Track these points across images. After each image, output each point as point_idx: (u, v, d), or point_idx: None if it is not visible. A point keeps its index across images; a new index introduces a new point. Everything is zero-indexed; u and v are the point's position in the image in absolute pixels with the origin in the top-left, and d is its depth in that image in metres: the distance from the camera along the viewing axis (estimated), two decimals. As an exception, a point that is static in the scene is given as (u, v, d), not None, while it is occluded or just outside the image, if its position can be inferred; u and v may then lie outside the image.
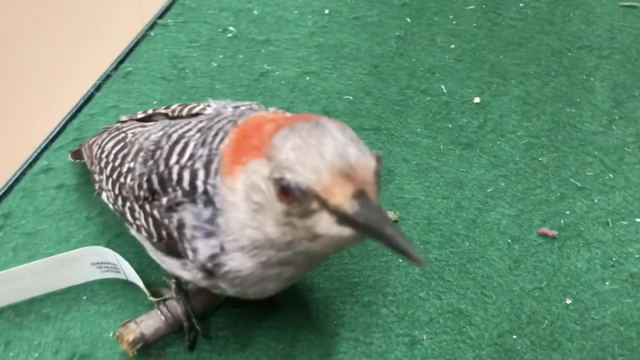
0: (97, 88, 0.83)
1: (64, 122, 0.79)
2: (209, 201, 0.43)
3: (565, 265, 0.65)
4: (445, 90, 0.82)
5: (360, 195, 0.36)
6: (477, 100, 0.81)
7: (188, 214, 0.44)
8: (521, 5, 0.94)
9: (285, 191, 0.37)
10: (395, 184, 0.72)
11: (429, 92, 0.82)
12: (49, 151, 0.76)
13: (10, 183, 0.72)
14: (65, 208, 0.71)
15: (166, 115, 0.56)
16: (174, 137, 0.48)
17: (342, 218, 0.37)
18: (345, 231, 0.37)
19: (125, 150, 0.52)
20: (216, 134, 0.45)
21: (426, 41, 0.89)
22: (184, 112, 0.54)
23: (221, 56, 0.87)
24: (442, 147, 0.76)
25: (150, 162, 0.48)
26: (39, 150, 0.75)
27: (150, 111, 0.59)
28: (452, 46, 0.88)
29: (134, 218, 0.50)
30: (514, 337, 0.60)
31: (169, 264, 0.49)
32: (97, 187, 0.57)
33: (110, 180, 0.52)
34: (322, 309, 0.63)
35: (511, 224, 0.69)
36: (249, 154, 0.40)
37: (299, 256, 0.42)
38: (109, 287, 0.64)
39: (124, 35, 0.89)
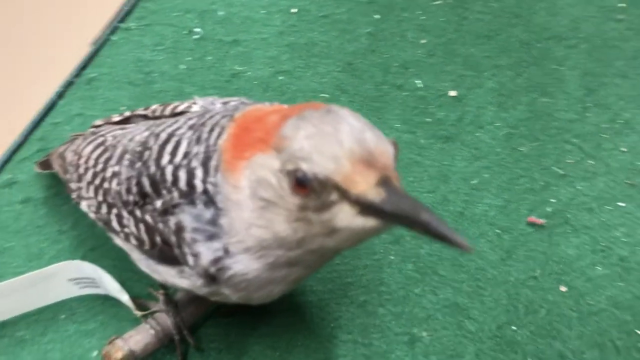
0: (60, 96, 0.79)
1: (26, 132, 0.74)
2: (210, 201, 0.40)
3: (556, 252, 0.65)
4: (420, 85, 0.81)
5: (384, 182, 0.34)
6: (453, 93, 0.81)
7: (187, 216, 0.41)
8: (486, -1, 0.94)
9: (301, 183, 0.35)
10: (380, 180, 0.70)
11: (404, 88, 0.81)
12: (11, 164, 0.71)
13: (-29, 199, 0.67)
14: (33, 223, 0.66)
15: (146, 117, 0.53)
16: (163, 136, 0.45)
17: (366, 208, 0.35)
18: (369, 222, 0.35)
19: (107, 154, 0.48)
20: (212, 130, 0.42)
21: (397, 37, 0.88)
22: (167, 112, 0.51)
23: (189, 58, 0.84)
24: (422, 141, 0.75)
25: (139, 164, 0.45)
26: (0, 164, 0.71)
27: (127, 113, 0.55)
28: (423, 41, 0.87)
29: (122, 225, 0.47)
30: (514, 328, 0.59)
31: (163, 273, 0.46)
32: (74, 196, 0.53)
33: (92, 186, 0.49)
34: (317, 312, 0.60)
35: (499, 214, 0.68)
36: (253, 148, 0.38)
37: (309, 255, 0.40)
38: (88, 303, 0.60)
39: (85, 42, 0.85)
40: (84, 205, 0.52)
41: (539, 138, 0.75)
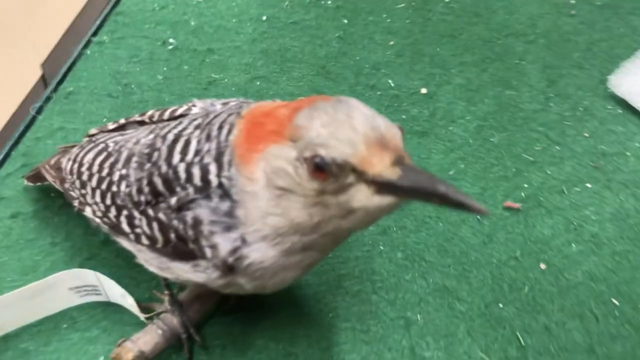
0: (39, 111, 0.79)
1: (8, 149, 0.74)
2: (225, 194, 0.42)
3: (533, 233, 0.69)
4: (392, 85, 0.85)
5: (398, 161, 0.37)
6: (424, 91, 0.84)
7: (203, 210, 0.43)
8: (447, 0, 0.99)
9: (319, 168, 0.37)
10: (363, 176, 0.73)
11: (377, 88, 0.84)
12: (-4, 180, 0.71)
13: (-42, 217, 0.67)
14: (24, 237, 0.67)
15: (142, 123, 0.55)
16: (170, 137, 0.46)
17: (383, 186, 0.37)
18: (386, 200, 0.38)
19: (112, 159, 0.50)
20: (220, 127, 0.44)
21: (366, 40, 0.91)
22: (166, 116, 0.53)
23: (165, 69, 0.86)
24: (399, 137, 0.78)
25: (148, 165, 0.46)
26: (-15, 180, 0.71)
27: (122, 121, 0.57)
28: (391, 43, 0.91)
29: (133, 226, 0.48)
30: (500, 305, 0.63)
31: (176, 269, 0.47)
32: (76, 203, 0.54)
33: (99, 191, 0.50)
34: (315, 304, 0.63)
35: (477, 201, 0.71)
36: (266, 140, 0.40)
37: (323, 238, 0.42)
38: (89, 311, 0.61)
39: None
40: (88, 211, 0.53)
41: (508, 128, 0.80)
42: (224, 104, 0.50)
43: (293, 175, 0.39)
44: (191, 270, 0.46)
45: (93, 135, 0.58)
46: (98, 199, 0.51)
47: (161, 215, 0.46)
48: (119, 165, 0.49)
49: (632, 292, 0.64)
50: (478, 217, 0.70)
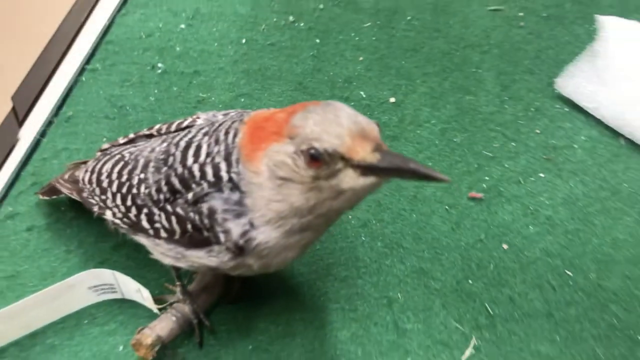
0: (43, 134, 0.86)
1: (17, 169, 0.81)
2: (235, 187, 0.51)
3: (495, 219, 0.78)
4: (364, 96, 0.94)
5: (377, 148, 0.46)
6: (392, 100, 0.94)
7: (217, 201, 0.51)
8: (408, 18, 1.08)
9: (314, 158, 0.46)
10: (343, 177, 0.82)
11: (351, 99, 0.94)
12: (9, 198, 0.78)
13: (-22, 233, 0.74)
14: (41, 247, 0.73)
15: (151, 135, 0.63)
16: (182, 144, 0.55)
17: (367, 169, 0.46)
18: (369, 180, 0.47)
19: (130, 166, 0.58)
20: (227, 133, 0.53)
21: (337, 57, 1.01)
22: (173, 128, 0.61)
23: (156, 91, 0.93)
24: (373, 142, 0.87)
25: (164, 169, 0.54)
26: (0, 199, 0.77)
27: (132, 135, 0.65)
28: (361, 58, 1.00)
29: (152, 222, 0.56)
30: (470, 281, 0.72)
31: (192, 257, 0.55)
32: (96, 208, 0.62)
33: (119, 195, 0.58)
34: (307, 290, 0.71)
35: (445, 194, 0.81)
36: (268, 140, 0.49)
37: (317, 219, 0.51)
38: (106, 308, 0.68)
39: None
40: (108, 214, 0.61)
41: (468, 129, 0.89)
42: (225, 114, 0.59)
43: (292, 166, 0.48)
44: (205, 256, 0.54)
45: (106, 149, 0.65)
46: (119, 202, 0.58)
47: (179, 210, 0.54)
48: (137, 170, 0.57)
49: (582, 264, 0.74)
50: (446, 207, 0.79)
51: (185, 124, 0.60)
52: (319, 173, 0.47)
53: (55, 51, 0.96)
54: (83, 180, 0.63)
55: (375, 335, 0.67)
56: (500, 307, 0.70)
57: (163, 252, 0.58)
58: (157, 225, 0.56)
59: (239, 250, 0.52)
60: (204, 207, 0.52)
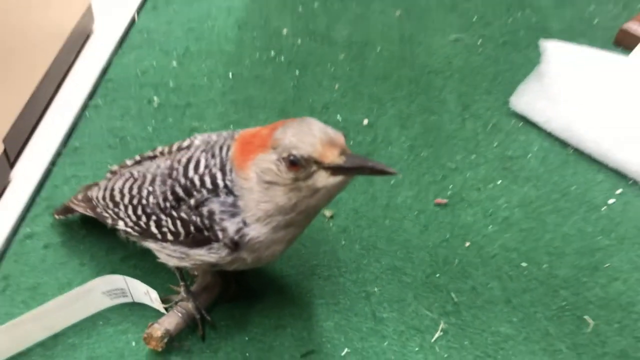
0: (53, 164, 0.96)
1: (33, 195, 0.91)
2: (230, 192, 0.61)
3: (459, 221, 0.89)
4: (340, 119, 1.05)
5: (343, 152, 0.57)
6: (366, 121, 1.05)
7: (215, 205, 0.61)
8: (378, 49, 1.20)
9: (293, 163, 0.57)
10: (323, 190, 0.92)
11: (329, 122, 1.00)
12: (27, 220, 0.87)
13: (1, 251, 0.83)
14: (57, 261, 0.83)
15: (155, 157, 0.73)
16: (184, 160, 0.65)
17: (335, 170, 0.57)
18: (338, 178, 0.57)
19: (139, 182, 0.68)
20: (221, 148, 0.63)
21: (315, 86, 1.12)
22: (174, 148, 0.71)
23: (153, 122, 1.04)
24: (349, 159, 0.98)
25: (169, 181, 0.64)
26: (18, 221, 0.87)
27: (137, 157, 0.75)
28: (337, 86, 1.12)
29: (160, 227, 0.66)
30: (437, 275, 0.82)
31: (195, 255, 0.65)
32: (110, 220, 0.72)
33: (131, 206, 0.68)
34: (295, 288, 0.80)
35: (414, 201, 0.91)
36: (255, 152, 0.59)
37: (299, 215, 0.61)
38: (119, 311, 0.77)
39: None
40: (120, 224, 0.70)
41: (433, 145, 1.00)
42: (218, 135, 0.69)
43: (276, 171, 0.58)
44: (206, 253, 0.64)
45: (115, 170, 0.75)
46: (130, 212, 0.68)
47: (183, 214, 0.64)
48: (146, 184, 0.67)
49: (536, 257, 0.84)
50: (415, 212, 0.90)
51: (185, 144, 0.71)
52: (297, 175, 0.57)
53: (44, 93, 1.03)
54: (97, 198, 0.73)
55: (356, 324, 0.77)
56: (465, 296, 0.80)
57: (169, 253, 0.67)
58: (164, 229, 0.66)
59: (235, 245, 0.62)
60: (204, 210, 0.62)
